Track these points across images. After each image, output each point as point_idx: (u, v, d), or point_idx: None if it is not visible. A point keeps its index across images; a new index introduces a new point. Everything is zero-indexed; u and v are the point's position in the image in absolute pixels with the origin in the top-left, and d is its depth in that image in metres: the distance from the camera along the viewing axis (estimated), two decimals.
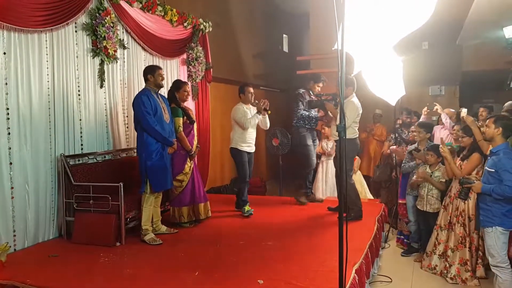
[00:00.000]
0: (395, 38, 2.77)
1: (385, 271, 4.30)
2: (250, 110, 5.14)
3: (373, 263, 3.94)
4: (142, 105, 3.99)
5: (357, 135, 4.81)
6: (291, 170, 9.36)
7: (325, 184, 6.79)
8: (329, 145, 6.31)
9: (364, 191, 6.22)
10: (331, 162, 6.36)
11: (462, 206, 4.13)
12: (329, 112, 5.06)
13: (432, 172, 4.56)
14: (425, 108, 6.00)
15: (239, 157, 5.11)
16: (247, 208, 5.06)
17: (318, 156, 7.21)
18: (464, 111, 4.33)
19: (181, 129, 4.47)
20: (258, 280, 3.01)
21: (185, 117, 4.53)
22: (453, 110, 6.00)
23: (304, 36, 9.33)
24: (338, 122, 4.65)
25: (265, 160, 9.15)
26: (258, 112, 5.04)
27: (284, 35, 10.44)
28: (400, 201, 5.30)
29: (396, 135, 5.95)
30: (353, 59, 3.21)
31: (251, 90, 5.16)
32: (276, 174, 7.60)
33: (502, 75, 7.35)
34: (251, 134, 5.13)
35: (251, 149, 5.19)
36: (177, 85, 4.68)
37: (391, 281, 4.07)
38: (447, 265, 4.13)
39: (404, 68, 5.21)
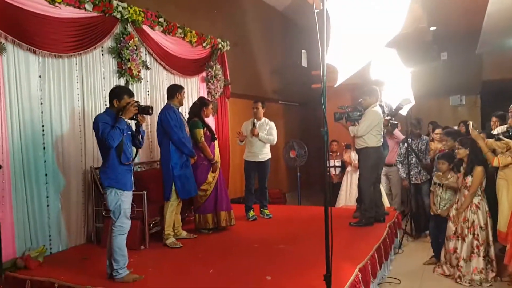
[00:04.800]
0: (374, 48, 2.86)
1: (396, 274, 4.40)
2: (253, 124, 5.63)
3: (381, 265, 4.10)
4: (172, 120, 4.37)
5: (381, 144, 4.98)
6: (309, 180, 9.49)
7: (349, 195, 7.00)
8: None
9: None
10: (356, 175, 6.49)
11: (472, 216, 4.17)
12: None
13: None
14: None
15: (244, 167, 5.75)
16: (251, 213, 5.59)
17: (344, 167, 7.42)
18: (471, 124, 4.33)
19: (203, 139, 4.80)
20: (266, 276, 3.27)
21: (205, 128, 4.87)
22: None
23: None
24: (352, 134, 4.94)
25: (285, 172, 9.38)
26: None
27: (303, 50, 10.75)
28: None
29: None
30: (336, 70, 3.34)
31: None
32: (296, 186, 7.81)
33: None
34: (251, 143, 5.61)
35: (258, 158, 5.61)
36: (205, 101, 5.04)
37: (400, 282, 4.20)
38: (461, 275, 4.15)
39: (424, 79, 5.39)
